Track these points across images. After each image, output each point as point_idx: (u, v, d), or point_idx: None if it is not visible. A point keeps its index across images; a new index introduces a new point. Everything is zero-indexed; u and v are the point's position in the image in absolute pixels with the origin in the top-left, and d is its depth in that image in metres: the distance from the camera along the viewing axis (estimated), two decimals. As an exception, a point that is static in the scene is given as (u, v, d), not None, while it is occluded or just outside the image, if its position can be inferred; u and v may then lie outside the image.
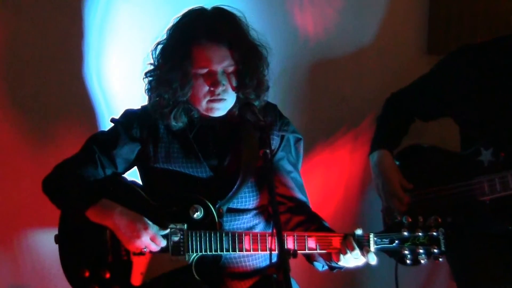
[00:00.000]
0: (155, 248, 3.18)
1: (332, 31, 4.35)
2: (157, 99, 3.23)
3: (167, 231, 3.21)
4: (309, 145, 4.12)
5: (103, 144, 3.34)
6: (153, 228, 3.17)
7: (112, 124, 3.41)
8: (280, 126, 3.39)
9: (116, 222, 3.17)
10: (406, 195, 3.81)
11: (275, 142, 3.36)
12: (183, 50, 3.15)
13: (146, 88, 3.29)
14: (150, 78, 3.27)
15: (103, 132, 3.47)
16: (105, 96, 4.11)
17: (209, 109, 3.22)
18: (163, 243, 3.19)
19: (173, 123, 3.25)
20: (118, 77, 4.11)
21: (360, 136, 4.41)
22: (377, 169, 3.89)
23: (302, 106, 4.36)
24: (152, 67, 3.26)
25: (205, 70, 3.16)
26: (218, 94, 3.17)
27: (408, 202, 3.80)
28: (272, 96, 3.40)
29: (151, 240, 3.16)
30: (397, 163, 3.91)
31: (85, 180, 3.27)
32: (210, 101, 3.19)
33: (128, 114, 3.42)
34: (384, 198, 3.90)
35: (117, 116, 3.44)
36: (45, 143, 4.06)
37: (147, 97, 3.31)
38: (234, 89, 3.21)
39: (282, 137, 3.39)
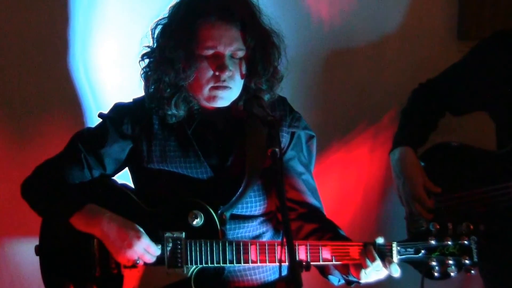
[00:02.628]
0: (149, 259, 3.17)
1: (350, 14, 4.36)
2: (156, 84, 3.23)
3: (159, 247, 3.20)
4: (323, 143, 4.12)
5: (90, 142, 3.34)
6: (147, 236, 3.16)
7: (100, 120, 3.41)
8: (290, 122, 3.38)
9: (104, 230, 3.17)
10: (430, 199, 3.82)
11: (284, 139, 3.35)
12: (188, 27, 3.15)
13: (143, 72, 3.29)
14: (148, 60, 3.27)
15: (90, 128, 3.47)
16: (93, 88, 4.13)
17: (211, 98, 3.20)
18: (158, 252, 3.18)
19: (174, 111, 3.23)
20: (107, 67, 4.13)
21: (381, 134, 4.42)
22: (398, 168, 3.89)
23: (315, 99, 4.38)
24: (149, 49, 3.27)
25: (211, 52, 3.16)
26: (223, 81, 3.16)
27: (432, 207, 3.80)
28: (281, 88, 3.38)
29: (145, 250, 3.15)
30: (422, 164, 3.90)
31: (69, 183, 3.27)
32: (214, 88, 3.18)
33: (118, 108, 3.41)
34: (405, 201, 3.91)
35: (105, 111, 3.44)
36: (24, 142, 4.08)
37: (142, 84, 3.30)
38: (243, 76, 3.21)
39: (292, 134, 3.38)
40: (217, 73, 3.15)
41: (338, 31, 4.37)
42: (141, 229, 3.16)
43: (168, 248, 3.19)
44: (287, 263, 2.63)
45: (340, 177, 4.42)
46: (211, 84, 3.17)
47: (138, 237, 3.14)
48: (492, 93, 3.79)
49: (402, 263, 3.11)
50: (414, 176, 3.84)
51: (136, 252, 3.14)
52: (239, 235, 3.30)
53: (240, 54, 3.18)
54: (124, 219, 3.18)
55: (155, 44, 3.25)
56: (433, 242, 3.09)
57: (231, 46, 3.15)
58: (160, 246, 3.18)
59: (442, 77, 4.00)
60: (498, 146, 3.86)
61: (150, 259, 3.17)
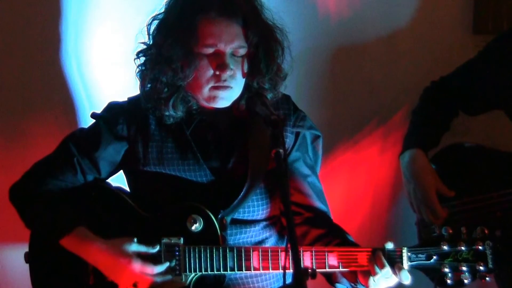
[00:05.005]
0: (150, 279, 3.15)
1: (358, 7, 4.38)
2: (152, 83, 3.24)
3: (157, 248, 3.21)
4: (329, 144, 4.15)
5: (83, 145, 3.36)
6: (138, 259, 3.15)
7: (94, 120, 3.43)
8: (294, 121, 3.41)
9: (94, 259, 3.20)
10: (443, 206, 3.82)
11: (289, 140, 3.37)
12: (187, 24, 3.15)
13: (139, 70, 3.29)
14: (144, 58, 3.28)
15: (82, 130, 3.49)
16: (86, 86, 4.16)
17: (211, 98, 3.22)
18: (157, 269, 3.17)
19: (172, 112, 3.24)
20: (101, 64, 4.15)
21: (392, 134, 4.44)
22: (409, 172, 3.89)
23: (321, 97, 4.40)
24: (146, 46, 3.27)
25: (211, 50, 3.16)
26: (224, 80, 3.17)
27: (445, 217, 3.80)
28: (285, 86, 3.39)
29: (141, 272, 3.15)
30: (434, 166, 3.89)
31: (60, 193, 3.29)
32: (214, 88, 3.19)
33: (113, 108, 3.43)
34: (416, 207, 3.91)
35: (99, 110, 3.46)
36: (12, 143, 4.11)
37: (138, 83, 3.30)
38: (245, 75, 3.22)
39: (297, 134, 3.41)
40: (217, 73, 3.16)
41: (346, 25, 4.38)
42: (132, 252, 3.16)
43: (166, 255, 3.20)
44: (291, 270, 2.61)
45: (348, 180, 4.44)
46: (211, 84, 3.19)
47: (129, 262, 3.14)
48: (508, 91, 3.79)
49: (413, 270, 3.12)
50: (425, 181, 3.84)
51: (130, 279, 3.15)
52: (241, 240, 3.32)
53: (242, 51, 3.19)
54: (113, 245, 3.18)
55: (151, 41, 3.25)
56: (445, 247, 3.10)
57: (232, 43, 3.16)
58: (159, 264, 3.18)
59: (457, 74, 4.00)
60: (515, 148, 3.88)
61: (152, 279, 3.16)
